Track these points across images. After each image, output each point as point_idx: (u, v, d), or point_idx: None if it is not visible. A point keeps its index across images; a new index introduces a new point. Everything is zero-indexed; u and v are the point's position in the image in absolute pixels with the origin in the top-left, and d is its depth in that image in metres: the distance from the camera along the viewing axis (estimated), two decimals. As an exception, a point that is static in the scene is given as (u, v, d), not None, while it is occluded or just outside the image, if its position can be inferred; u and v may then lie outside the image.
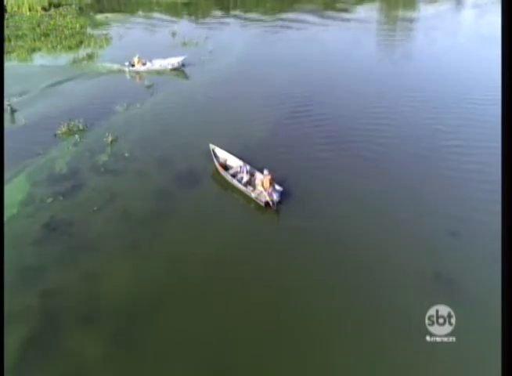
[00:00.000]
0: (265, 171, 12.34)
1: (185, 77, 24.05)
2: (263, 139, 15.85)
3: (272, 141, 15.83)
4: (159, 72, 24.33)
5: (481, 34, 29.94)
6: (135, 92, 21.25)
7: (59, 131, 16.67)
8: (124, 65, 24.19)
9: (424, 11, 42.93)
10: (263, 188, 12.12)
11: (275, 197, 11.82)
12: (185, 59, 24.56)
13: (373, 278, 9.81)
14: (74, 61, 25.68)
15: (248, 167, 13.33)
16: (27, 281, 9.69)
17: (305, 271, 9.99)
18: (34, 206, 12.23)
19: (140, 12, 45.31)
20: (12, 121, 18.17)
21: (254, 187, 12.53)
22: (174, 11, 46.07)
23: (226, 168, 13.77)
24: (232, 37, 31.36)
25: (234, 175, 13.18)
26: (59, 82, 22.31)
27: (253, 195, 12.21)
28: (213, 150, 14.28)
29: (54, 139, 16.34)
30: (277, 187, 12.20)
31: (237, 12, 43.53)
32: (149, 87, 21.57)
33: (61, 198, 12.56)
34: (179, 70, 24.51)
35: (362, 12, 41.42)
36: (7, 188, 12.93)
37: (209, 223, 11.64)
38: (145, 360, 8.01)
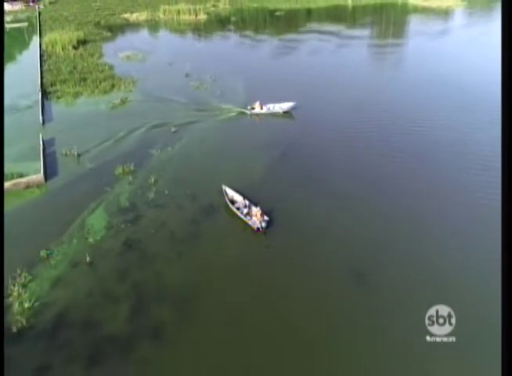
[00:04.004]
0: (258, 207, 19.63)
1: (292, 118, 30.88)
2: (259, 178, 23.17)
3: (265, 180, 23.16)
4: (269, 115, 31.31)
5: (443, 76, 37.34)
6: (164, 138, 28.49)
7: (116, 172, 24.03)
8: (246, 108, 31.42)
9: (413, 35, 50.58)
10: (256, 218, 19.41)
11: (264, 224, 19.12)
12: (294, 104, 31.23)
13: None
14: (113, 106, 33.10)
15: (247, 202, 20.61)
16: (121, 278, 16.99)
17: (284, 274, 16.93)
18: (114, 230, 19.56)
19: (152, 38, 53.27)
20: (79, 163, 25.56)
21: (251, 217, 19.80)
22: (180, 34, 54.13)
23: (233, 202, 21.06)
24: (236, 80, 38.72)
25: (238, 208, 20.45)
26: (118, 130, 29.59)
27: (249, 223, 19.45)
28: (224, 190, 21.57)
29: (114, 178, 23.67)
30: (265, 217, 19.46)
31: (239, 34, 52.08)
32: (174, 133, 28.90)
33: (129, 225, 19.87)
34: (289, 113, 31.50)
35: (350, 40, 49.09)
36: (94, 217, 20.36)
37: (222, 241, 18.85)
38: (193, 323, 14.97)
